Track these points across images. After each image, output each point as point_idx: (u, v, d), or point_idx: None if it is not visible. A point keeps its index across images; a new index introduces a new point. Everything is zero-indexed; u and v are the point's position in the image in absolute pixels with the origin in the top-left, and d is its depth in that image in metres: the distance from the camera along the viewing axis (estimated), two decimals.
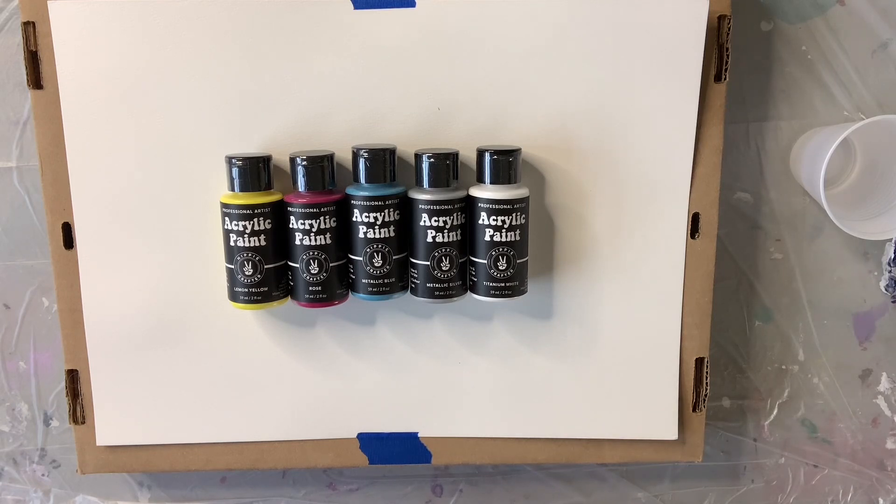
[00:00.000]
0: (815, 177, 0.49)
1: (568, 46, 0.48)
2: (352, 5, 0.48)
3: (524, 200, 0.48)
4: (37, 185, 0.55)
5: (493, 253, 0.48)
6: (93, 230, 0.51)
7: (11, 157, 0.55)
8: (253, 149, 0.50)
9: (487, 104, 0.49)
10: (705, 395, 0.53)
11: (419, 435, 0.54)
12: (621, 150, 0.50)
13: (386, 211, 0.48)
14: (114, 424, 0.53)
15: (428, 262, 0.48)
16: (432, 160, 0.47)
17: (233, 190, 0.48)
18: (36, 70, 0.49)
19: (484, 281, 0.49)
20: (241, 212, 0.47)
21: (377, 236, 0.48)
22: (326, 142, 0.50)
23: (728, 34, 0.49)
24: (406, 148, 0.50)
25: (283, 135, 0.50)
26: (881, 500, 0.61)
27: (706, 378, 0.53)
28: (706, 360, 0.53)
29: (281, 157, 0.50)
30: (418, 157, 0.48)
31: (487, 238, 0.48)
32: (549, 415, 0.54)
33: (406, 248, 0.49)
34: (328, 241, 0.48)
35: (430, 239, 0.48)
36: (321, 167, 0.47)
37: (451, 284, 0.49)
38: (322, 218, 0.47)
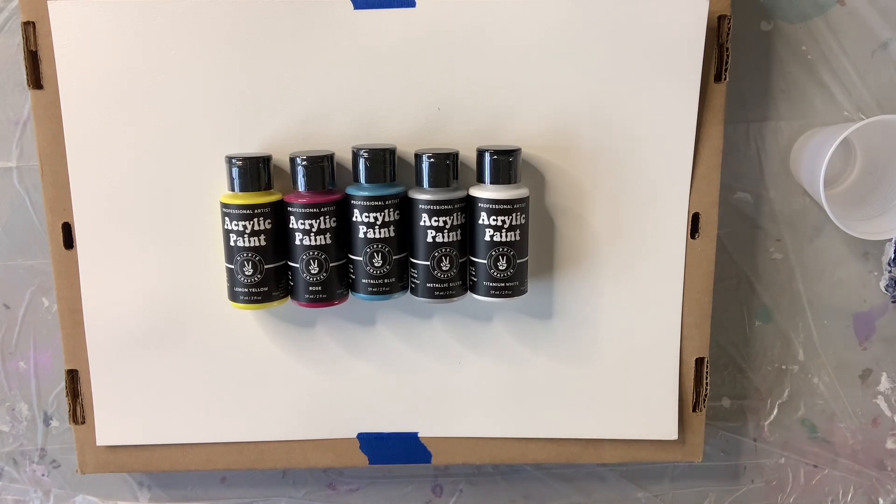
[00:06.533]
0: (815, 177, 0.49)
1: (568, 46, 0.48)
2: (352, 5, 0.48)
3: (524, 200, 0.48)
4: (37, 185, 0.55)
5: (493, 253, 0.48)
6: (93, 230, 0.51)
7: (11, 157, 0.55)
8: (253, 149, 0.50)
9: (487, 104, 0.49)
10: (705, 395, 0.53)
11: (419, 435, 0.54)
12: (621, 150, 0.50)
13: (386, 211, 0.48)
14: (114, 424, 0.53)
15: (428, 262, 0.48)
16: (432, 160, 0.47)
17: (233, 190, 0.48)
18: (36, 70, 0.49)
19: (484, 281, 0.49)
20: (241, 212, 0.47)
21: (377, 236, 0.48)
22: (326, 142, 0.50)
23: (728, 34, 0.49)
24: (406, 148, 0.50)
25: (283, 135, 0.50)
26: (881, 500, 0.61)
27: (706, 378, 0.53)
28: (706, 360, 0.53)
29: (281, 157, 0.50)
30: (418, 157, 0.48)
31: (487, 238, 0.48)
32: (549, 415, 0.54)
33: (406, 248, 0.49)
34: (328, 241, 0.48)
35: (430, 239, 0.48)
36: (321, 167, 0.47)
37: (451, 284, 0.49)
38: (322, 218, 0.47)
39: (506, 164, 0.47)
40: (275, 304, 0.49)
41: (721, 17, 0.48)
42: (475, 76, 0.49)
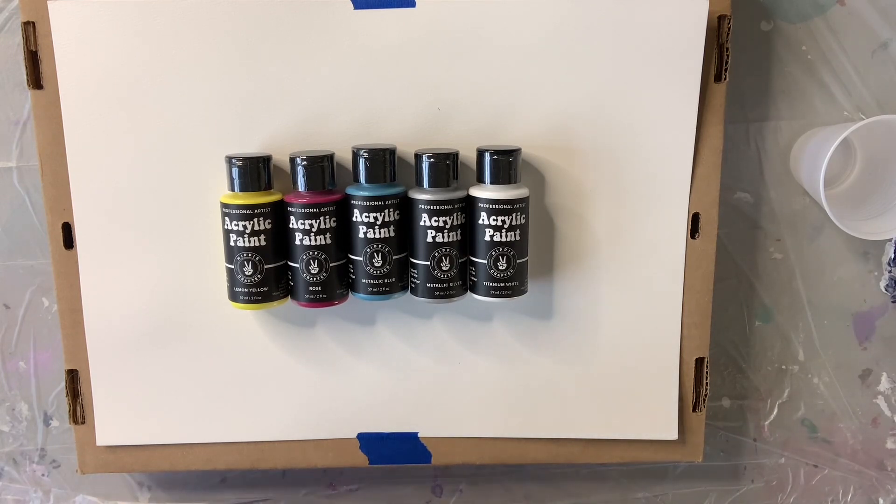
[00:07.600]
0: (815, 177, 0.49)
1: (568, 46, 0.48)
2: (352, 5, 0.48)
3: (524, 200, 0.48)
4: (37, 185, 0.55)
5: (493, 253, 0.48)
6: (93, 230, 0.51)
7: (11, 157, 0.55)
8: (253, 149, 0.50)
9: (487, 104, 0.49)
10: (705, 395, 0.53)
11: (419, 435, 0.54)
12: (621, 150, 0.50)
13: (386, 211, 0.48)
14: (114, 424, 0.53)
15: (428, 262, 0.48)
16: (432, 160, 0.47)
17: (233, 190, 0.48)
18: (36, 70, 0.49)
19: (484, 281, 0.49)
20: (241, 212, 0.47)
21: (377, 236, 0.48)
22: (326, 142, 0.50)
23: (728, 34, 0.49)
24: (406, 148, 0.50)
25: (283, 135, 0.50)
26: (881, 500, 0.61)
27: (706, 378, 0.53)
28: (706, 360, 0.53)
29: (281, 157, 0.50)
30: (418, 157, 0.48)
31: (487, 238, 0.48)
32: (549, 415, 0.54)
33: (406, 248, 0.49)
34: (328, 241, 0.48)
35: (430, 239, 0.48)
36: (321, 167, 0.47)
37: (451, 284, 0.49)
38: (322, 218, 0.47)
39: (506, 164, 0.47)
40: (275, 304, 0.49)
41: (721, 17, 0.48)
42: (475, 76, 0.49)
